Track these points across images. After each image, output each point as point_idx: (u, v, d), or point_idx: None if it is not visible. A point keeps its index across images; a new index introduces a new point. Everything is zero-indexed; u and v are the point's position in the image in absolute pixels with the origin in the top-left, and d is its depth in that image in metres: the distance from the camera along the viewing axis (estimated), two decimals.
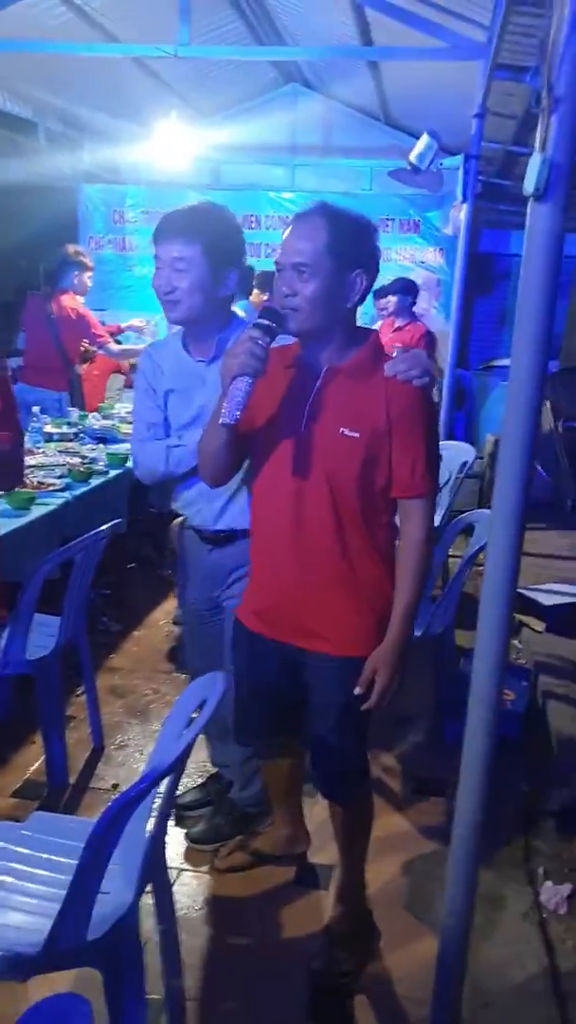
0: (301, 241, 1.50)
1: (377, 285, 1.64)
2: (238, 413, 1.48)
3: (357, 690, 1.62)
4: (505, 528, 1.31)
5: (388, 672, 1.61)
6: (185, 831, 2.21)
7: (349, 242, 1.51)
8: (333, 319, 1.55)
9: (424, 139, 4.84)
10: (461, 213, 4.61)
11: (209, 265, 1.77)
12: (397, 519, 1.68)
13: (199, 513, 1.98)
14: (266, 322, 1.50)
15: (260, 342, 1.47)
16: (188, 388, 1.93)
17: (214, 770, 2.35)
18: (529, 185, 1.18)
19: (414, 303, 5.16)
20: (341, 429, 1.55)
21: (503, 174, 6.89)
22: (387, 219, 6.68)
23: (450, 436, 5.10)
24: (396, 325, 5.07)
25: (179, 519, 2.14)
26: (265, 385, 1.53)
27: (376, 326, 4.78)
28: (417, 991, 1.69)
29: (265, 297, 4.51)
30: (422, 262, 6.74)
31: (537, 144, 1.19)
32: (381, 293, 4.99)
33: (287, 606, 1.68)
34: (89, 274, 4.48)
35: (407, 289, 5.06)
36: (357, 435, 1.55)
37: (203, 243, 1.75)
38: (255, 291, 4.65)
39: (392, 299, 5.01)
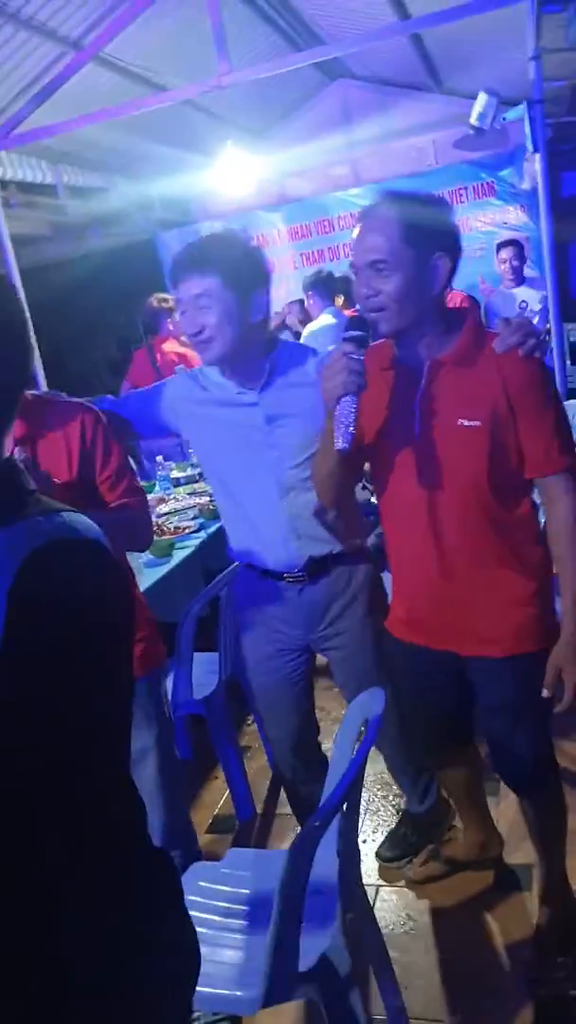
0: (374, 236, 1.43)
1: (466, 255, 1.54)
2: (352, 434, 1.41)
3: (545, 693, 1.52)
4: None
5: (575, 667, 1.51)
6: (375, 851, 2.20)
7: (424, 225, 1.44)
8: (423, 310, 1.47)
9: (482, 98, 4.68)
10: (536, 164, 4.40)
11: (234, 294, 1.63)
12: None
13: (285, 553, 1.80)
14: (356, 333, 1.43)
15: (355, 356, 1.41)
16: (234, 424, 1.76)
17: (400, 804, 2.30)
18: None
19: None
20: (459, 420, 1.47)
21: (574, 110, 6.51)
22: (461, 188, 6.50)
23: (568, 395, 4.84)
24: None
25: (245, 568, 1.91)
26: (366, 394, 1.44)
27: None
28: None
29: (340, 302, 4.47)
30: (504, 223, 6.49)
31: None
32: None
33: (441, 614, 1.62)
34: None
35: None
36: (478, 423, 1.46)
37: (220, 272, 1.62)
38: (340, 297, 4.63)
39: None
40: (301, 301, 5.24)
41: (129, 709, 0.80)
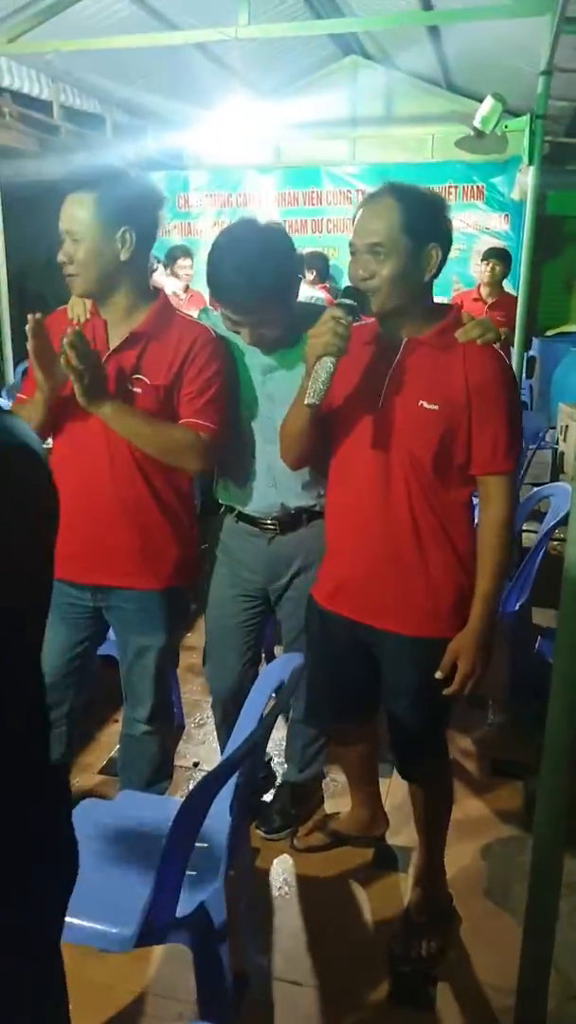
0: (374, 222, 1.52)
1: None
2: (323, 392, 1.49)
3: (438, 674, 1.60)
4: None
5: (470, 658, 1.59)
6: (256, 827, 2.17)
7: (422, 217, 1.52)
8: (412, 296, 1.55)
9: (489, 101, 4.69)
10: (528, 176, 4.44)
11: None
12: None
13: (260, 498, 1.90)
14: (348, 301, 1.51)
15: (343, 321, 1.48)
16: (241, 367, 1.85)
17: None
18: None
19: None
20: (420, 401, 1.55)
21: (572, 132, 6.60)
22: (450, 186, 6.54)
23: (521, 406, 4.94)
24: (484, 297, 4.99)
25: (225, 511, 2.00)
26: (344, 362, 1.52)
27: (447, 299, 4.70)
28: (501, 980, 1.67)
29: (312, 277, 4.47)
30: (487, 228, 6.56)
31: None
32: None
33: (360, 584, 1.66)
34: None
35: (504, 258, 5.03)
36: (436, 408, 1.53)
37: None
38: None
39: (496, 266, 5.01)
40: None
41: (42, 612, 0.82)
